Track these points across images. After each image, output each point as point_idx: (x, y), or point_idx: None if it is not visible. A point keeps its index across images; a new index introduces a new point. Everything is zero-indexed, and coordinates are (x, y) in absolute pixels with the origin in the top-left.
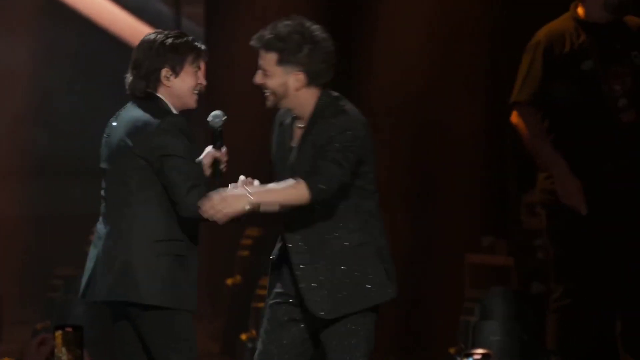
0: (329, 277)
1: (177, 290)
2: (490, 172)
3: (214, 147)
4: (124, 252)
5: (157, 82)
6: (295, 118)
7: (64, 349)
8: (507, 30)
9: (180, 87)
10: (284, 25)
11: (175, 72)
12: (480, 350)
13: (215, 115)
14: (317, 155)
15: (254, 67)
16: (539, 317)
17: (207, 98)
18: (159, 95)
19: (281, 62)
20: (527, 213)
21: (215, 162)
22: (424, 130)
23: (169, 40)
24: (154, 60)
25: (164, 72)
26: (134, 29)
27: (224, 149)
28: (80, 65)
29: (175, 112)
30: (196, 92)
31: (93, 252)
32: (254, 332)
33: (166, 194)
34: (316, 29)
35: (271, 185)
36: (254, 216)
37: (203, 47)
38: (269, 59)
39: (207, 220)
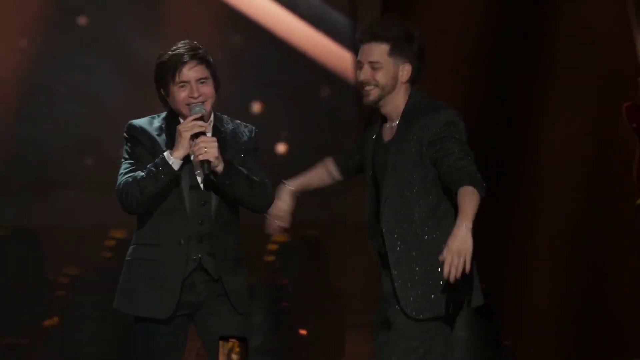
0: (424, 278)
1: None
2: None
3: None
4: None
5: (165, 102)
6: (384, 120)
7: None
8: None
9: (174, 104)
10: (389, 21)
11: (167, 93)
12: None
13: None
14: (438, 154)
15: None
16: None
17: None
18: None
19: (393, 52)
20: None
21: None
22: (608, 147)
23: (156, 63)
24: (156, 84)
25: (162, 93)
26: (311, 40)
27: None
28: (261, 77)
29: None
30: (188, 104)
31: None
32: None
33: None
34: (414, 28)
35: (467, 199)
36: None
37: (185, 58)
38: (380, 50)
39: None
